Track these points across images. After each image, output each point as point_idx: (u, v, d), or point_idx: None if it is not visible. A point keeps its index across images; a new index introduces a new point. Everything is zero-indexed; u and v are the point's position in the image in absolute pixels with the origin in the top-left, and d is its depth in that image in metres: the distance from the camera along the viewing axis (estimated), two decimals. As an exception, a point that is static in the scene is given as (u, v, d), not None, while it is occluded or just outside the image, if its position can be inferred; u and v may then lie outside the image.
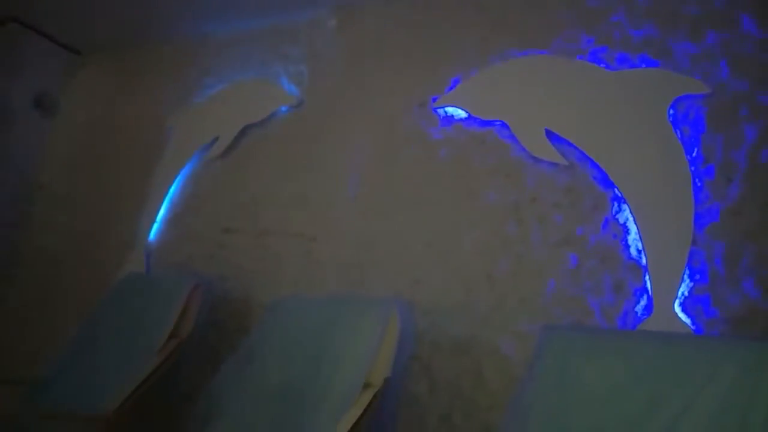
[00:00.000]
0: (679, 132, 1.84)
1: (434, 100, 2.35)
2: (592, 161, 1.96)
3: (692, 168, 1.79)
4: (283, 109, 2.77)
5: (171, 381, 2.17)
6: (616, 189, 1.89)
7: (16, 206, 3.36)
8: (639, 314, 1.76)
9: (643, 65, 1.98)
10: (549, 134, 2.04)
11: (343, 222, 2.40)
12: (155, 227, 2.91)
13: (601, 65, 2.05)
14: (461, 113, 2.28)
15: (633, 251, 1.83)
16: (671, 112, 1.87)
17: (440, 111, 2.33)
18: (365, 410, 1.71)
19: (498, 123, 2.18)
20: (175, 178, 2.94)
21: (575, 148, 1.99)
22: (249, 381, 1.91)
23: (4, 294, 3.28)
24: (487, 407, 1.88)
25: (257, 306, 2.44)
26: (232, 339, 2.42)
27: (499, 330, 1.95)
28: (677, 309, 1.70)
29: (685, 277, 1.72)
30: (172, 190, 2.95)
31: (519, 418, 1.45)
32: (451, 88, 2.33)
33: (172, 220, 2.91)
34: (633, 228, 1.84)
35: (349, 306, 1.97)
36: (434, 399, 1.97)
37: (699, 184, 1.78)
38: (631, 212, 1.84)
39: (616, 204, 1.90)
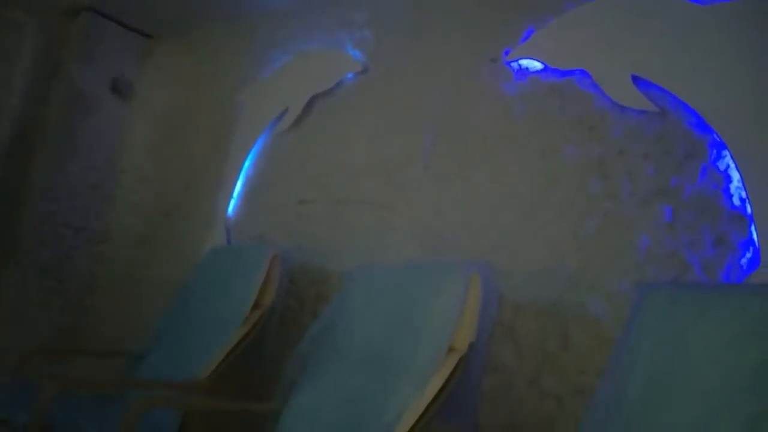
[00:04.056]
0: (786, 67, 1.66)
1: (507, 53, 2.24)
2: (686, 106, 1.80)
3: (803, 106, 1.61)
4: (349, 76, 2.74)
5: (258, 348, 2.23)
6: (714, 134, 1.74)
7: (101, 189, 3.53)
8: (745, 268, 1.62)
9: (743, -4, 1.79)
10: (636, 80, 1.90)
11: (417, 187, 2.35)
12: (233, 202, 2.98)
13: (693, 1, 1.87)
14: (537, 65, 2.16)
15: (736, 200, 1.68)
16: (777, 46, 1.68)
17: (514, 65, 2.22)
18: (451, 374, 1.69)
19: (578, 72, 2.05)
20: (249, 152, 2.98)
21: (667, 93, 1.84)
22: (333, 346, 1.93)
23: (95, 271, 3.47)
24: (578, 371, 1.81)
25: (335, 274, 2.45)
26: (312, 307, 2.46)
27: (587, 291, 1.86)
28: (789, 260, 1.55)
29: (798, 225, 1.56)
30: (246, 164, 2.99)
31: (619, 380, 1.38)
32: (524, 40, 2.21)
33: (248, 194, 2.96)
34: (735, 176, 1.68)
35: (429, 270, 1.94)
36: (521, 363, 1.92)
37: (812, 123, 1.60)
38: (732, 158, 1.68)
39: (714, 151, 1.75)
